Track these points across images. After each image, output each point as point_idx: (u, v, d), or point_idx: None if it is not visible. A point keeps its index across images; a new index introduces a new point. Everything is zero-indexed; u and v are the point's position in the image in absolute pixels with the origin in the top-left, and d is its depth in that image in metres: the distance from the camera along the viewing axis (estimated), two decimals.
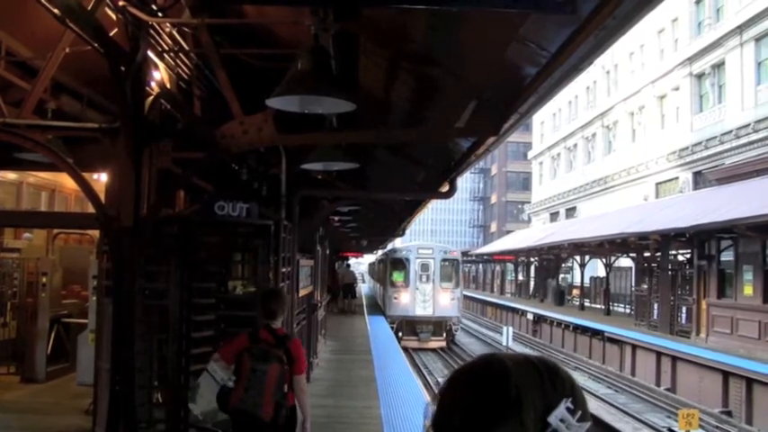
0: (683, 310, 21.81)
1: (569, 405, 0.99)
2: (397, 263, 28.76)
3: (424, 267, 28.02)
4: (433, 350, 27.81)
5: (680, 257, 22.97)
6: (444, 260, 28.49)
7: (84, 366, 8.05)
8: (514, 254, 42.87)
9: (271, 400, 4.70)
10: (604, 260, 30.77)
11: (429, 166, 12.42)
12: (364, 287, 47.21)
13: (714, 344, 18.39)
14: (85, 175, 6.05)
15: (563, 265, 37.91)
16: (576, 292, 36.28)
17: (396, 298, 27.87)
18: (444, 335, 28.03)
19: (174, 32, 6.05)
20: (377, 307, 32.55)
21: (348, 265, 36.86)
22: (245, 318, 7.34)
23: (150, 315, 6.51)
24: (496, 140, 7.80)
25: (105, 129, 5.99)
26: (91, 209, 6.01)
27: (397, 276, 28.45)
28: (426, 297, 27.57)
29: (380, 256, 38.92)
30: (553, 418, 0.98)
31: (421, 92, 8.16)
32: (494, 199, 76.15)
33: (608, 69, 40.69)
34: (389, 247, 35.59)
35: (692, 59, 30.20)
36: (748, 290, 17.77)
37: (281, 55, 6.00)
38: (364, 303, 33.25)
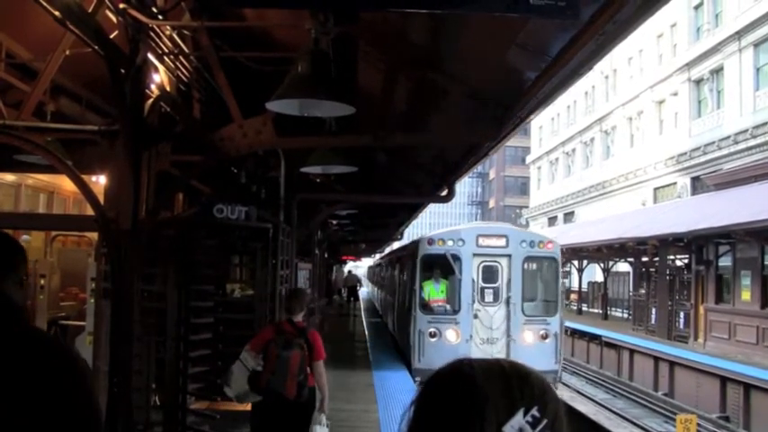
0: (681, 315, 21.81)
1: (535, 413, 0.95)
2: (431, 263, 14.50)
3: (490, 274, 14.41)
4: None
5: (678, 262, 22.99)
6: (530, 258, 14.64)
7: None
8: None
9: (294, 381, 5.52)
10: (602, 265, 30.78)
11: (428, 169, 12.45)
12: (362, 291, 46.72)
13: (712, 349, 18.38)
14: (84, 177, 6.04)
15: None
16: (573, 296, 36.28)
17: (433, 335, 14.08)
18: None
19: (174, 35, 6.05)
20: (388, 346, 18.33)
21: (350, 271, 36.86)
22: (243, 320, 7.35)
23: (148, 317, 6.50)
24: (496, 144, 7.82)
25: (104, 131, 5.99)
26: (89, 211, 6.01)
27: (434, 291, 14.50)
28: (495, 333, 14.17)
29: (395, 253, 24.43)
30: (509, 428, 0.94)
31: (420, 96, 8.17)
32: (492, 203, 76.14)
33: (606, 74, 40.70)
34: (417, 234, 21.32)
35: (690, 65, 30.23)
36: (746, 295, 17.77)
37: (280, 58, 6.00)
38: (365, 324, 24.09)
